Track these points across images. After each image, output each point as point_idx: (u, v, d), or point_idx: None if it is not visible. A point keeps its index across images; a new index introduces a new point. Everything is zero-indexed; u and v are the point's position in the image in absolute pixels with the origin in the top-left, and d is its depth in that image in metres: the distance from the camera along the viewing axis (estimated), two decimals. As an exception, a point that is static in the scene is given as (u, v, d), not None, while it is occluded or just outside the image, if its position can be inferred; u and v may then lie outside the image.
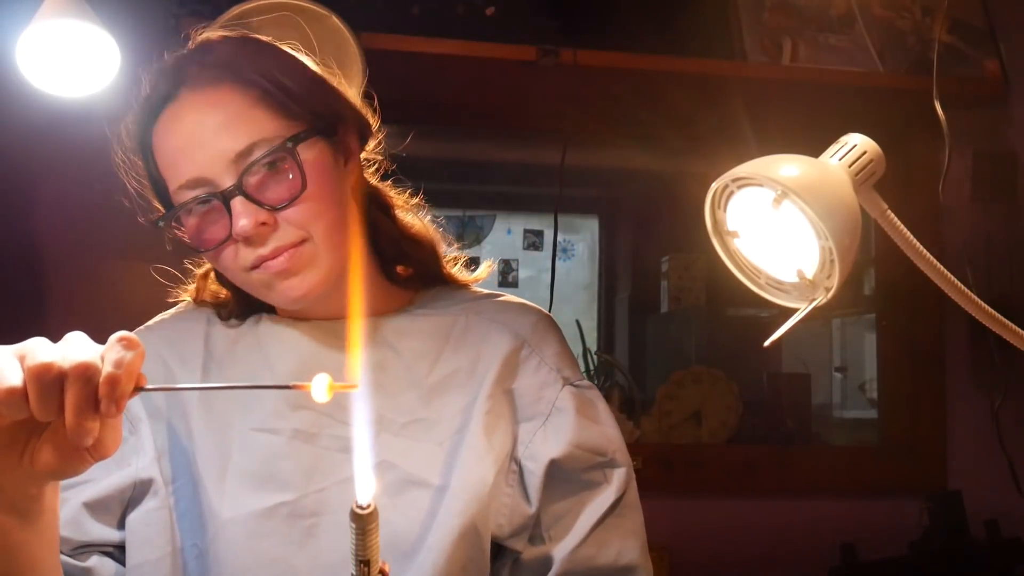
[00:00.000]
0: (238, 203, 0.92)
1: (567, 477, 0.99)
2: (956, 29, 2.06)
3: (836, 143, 0.91)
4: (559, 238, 2.26)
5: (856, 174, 0.88)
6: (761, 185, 0.86)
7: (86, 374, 0.66)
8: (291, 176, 0.94)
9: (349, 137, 1.03)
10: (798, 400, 2.51)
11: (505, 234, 3.59)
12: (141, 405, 1.01)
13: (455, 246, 1.15)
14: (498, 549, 0.99)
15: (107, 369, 0.66)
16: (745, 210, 0.90)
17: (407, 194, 1.14)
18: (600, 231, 3.58)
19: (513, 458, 0.99)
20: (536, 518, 0.98)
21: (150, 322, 1.11)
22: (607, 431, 1.03)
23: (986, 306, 0.90)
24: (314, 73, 1.03)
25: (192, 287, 1.13)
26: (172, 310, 1.13)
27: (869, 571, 2.01)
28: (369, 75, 1.59)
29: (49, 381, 0.65)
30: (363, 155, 1.08)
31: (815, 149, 0.91)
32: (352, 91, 1.06)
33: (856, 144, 0.89)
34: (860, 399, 2.69)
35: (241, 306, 1.08)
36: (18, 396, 0.66)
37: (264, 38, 1.04)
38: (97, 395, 0.66)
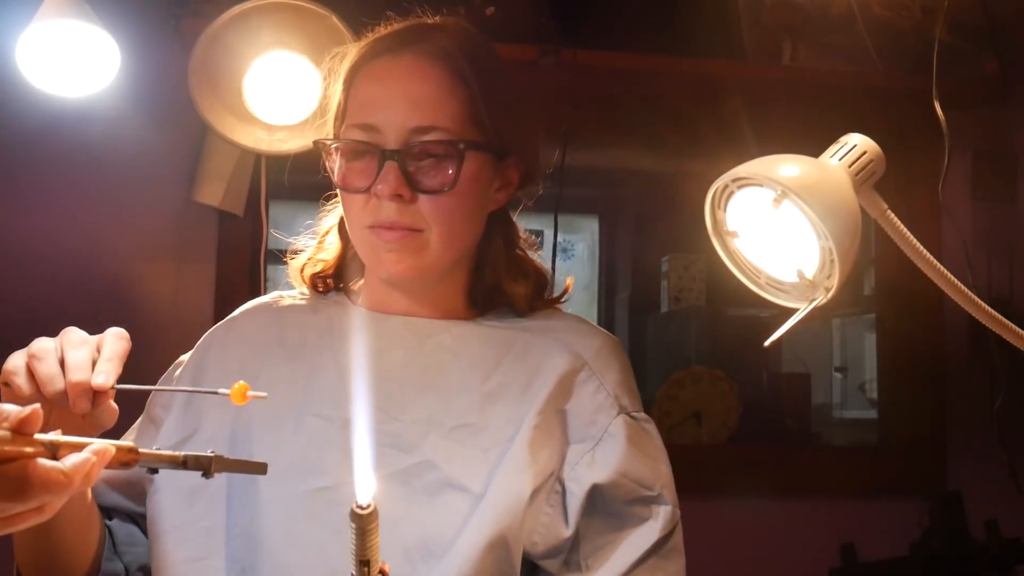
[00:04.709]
0: (390, 167, 0.97)
1: (610, 507, 0.98)
2: (956, 29, 2.05)
3: (836, 143, 0.91)
4: (559, 238, 2.25)
5: (856, 174, 0.88)
6: (761, 185, 0.86)
7: (78, 389, 0.82)
8: (447, 171, 0.98)
9: (514, 170, 1.07)
10: (798, 400, 2.51)
11: (505, 234, 3.58)
12: (173, 399, 1.07)
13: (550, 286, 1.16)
14: (533, 569, 0.99)
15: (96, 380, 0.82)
16: (745, 210, 0.90)
17: (531, 236, 1.17)
18: (600, 231, 3.58)
19: (558, 478, 0.99)
20: (573, 543, 0.98)
21: (232, 314, 1.15)
22: (658, 466, 1.02)
23: (986, 306, 0.90)
24: (521, 102, 1.08)
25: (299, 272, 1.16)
26: (251, 304, 1.16)
27: (869, 571, 2.01)
28: (369, 75, 1.59)
29: (55, 396, 0.82)
30: (516, 191, 1.11)
31: (815, 149, 0.91)
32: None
33: (856, 144, 0.90)
34: (860, 399, 2.69)
35: (338, 271, 1.13)
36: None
37: (492, 48, 1.07)
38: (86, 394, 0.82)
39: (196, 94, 1.56)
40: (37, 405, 0.68)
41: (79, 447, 0.67)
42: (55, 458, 0.65)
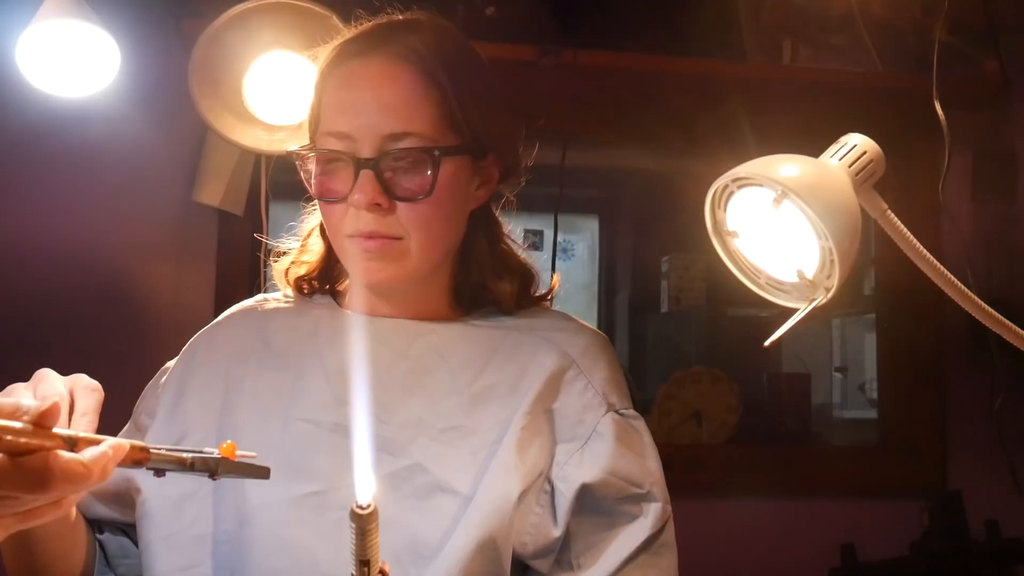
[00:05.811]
0: (365, 177, 0.96)
1: (600, 506, 0.98)
2: (956, 29, 2.05)
3: (836, 143, 0.91)
4: (559, 238, 2.25)
5: (856, 174, 0.88)
6: (761, 185, 0.86)
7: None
8: (424, 177, 0.97)
9: (493, 167, 1.06)
10: (798, 400, 2.51)
11: (505, 234, 3.59)
12: (158, 406, 1.06)
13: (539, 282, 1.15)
14: (524, 569, 0.99)
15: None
16: (745, 210, 0.90)
17: (518, 232, 1.15)
18: (600, 231, 3.58)
19: (547, 478, 0.98)
20: (564, 542, 0.97)
21: (216, 319, 1.14)
22: (647, 463, 1.02)
23: (986, 306, 0.90)
24: (496, 98, 1.06)
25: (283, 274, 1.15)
26: (235, 308, 1.15)
27: (869, 572, 2.01)
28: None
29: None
30: (497, 187, 1.10)
31: (815, 149, 0.91)
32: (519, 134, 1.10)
33: (856, 144, 0.90)
34: (860, 399, 2.69)
35: (322, 273, 1.12)
36: None
37: (466, 44, 1.06)
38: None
39: (196, 94, 1.56)
40: (57, 399, 0.69)
41: (96, 442, 0.68)
42: (74, 451, 0.66)
